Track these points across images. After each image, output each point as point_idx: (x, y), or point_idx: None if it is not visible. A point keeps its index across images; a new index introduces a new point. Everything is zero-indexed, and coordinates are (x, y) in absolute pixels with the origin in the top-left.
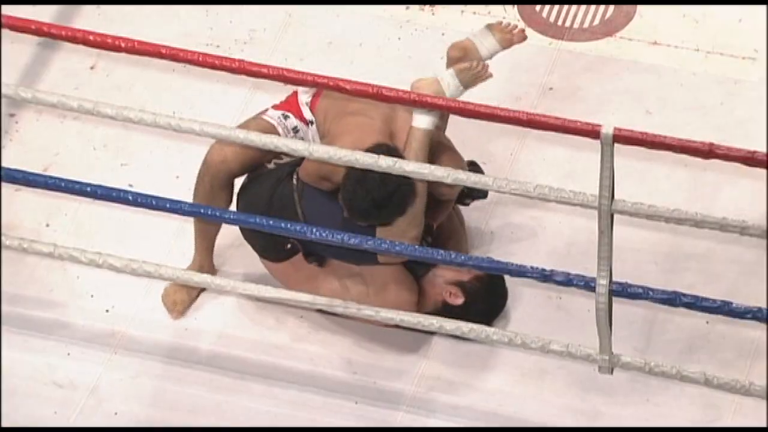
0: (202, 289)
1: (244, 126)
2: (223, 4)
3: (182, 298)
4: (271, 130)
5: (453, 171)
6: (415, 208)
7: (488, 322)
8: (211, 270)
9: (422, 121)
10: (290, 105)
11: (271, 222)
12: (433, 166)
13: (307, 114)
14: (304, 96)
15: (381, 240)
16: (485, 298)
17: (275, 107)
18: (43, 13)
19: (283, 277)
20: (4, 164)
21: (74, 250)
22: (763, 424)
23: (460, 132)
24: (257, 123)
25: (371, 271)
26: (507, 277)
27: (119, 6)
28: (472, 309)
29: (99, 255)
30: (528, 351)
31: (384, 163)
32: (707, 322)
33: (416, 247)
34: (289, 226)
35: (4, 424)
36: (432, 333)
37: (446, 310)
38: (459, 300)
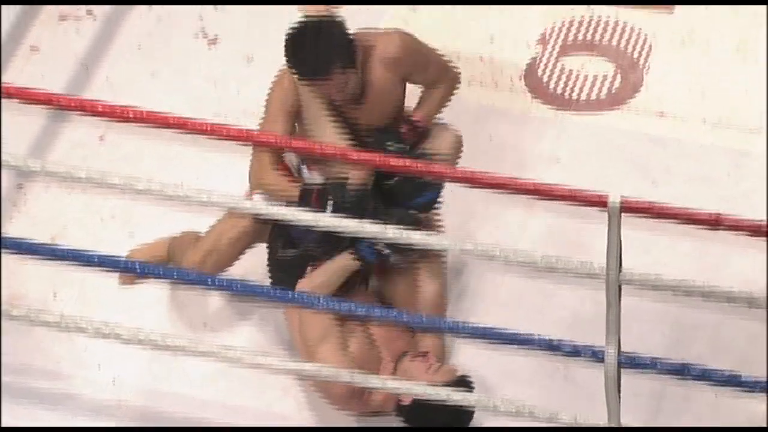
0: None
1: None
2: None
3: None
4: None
5: (457, 241)
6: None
7: None
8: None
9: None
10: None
11: (277, 293)
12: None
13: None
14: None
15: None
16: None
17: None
18: (54, 84)
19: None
20: (13, 235)
21: (81, 320)
22: None
23: (467, 202)
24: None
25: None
26: (516, 350)
27: (127, 77)
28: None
29: (106, 325)
30: (536, 422)
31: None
32: (716, 395)
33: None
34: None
35: None
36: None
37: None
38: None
